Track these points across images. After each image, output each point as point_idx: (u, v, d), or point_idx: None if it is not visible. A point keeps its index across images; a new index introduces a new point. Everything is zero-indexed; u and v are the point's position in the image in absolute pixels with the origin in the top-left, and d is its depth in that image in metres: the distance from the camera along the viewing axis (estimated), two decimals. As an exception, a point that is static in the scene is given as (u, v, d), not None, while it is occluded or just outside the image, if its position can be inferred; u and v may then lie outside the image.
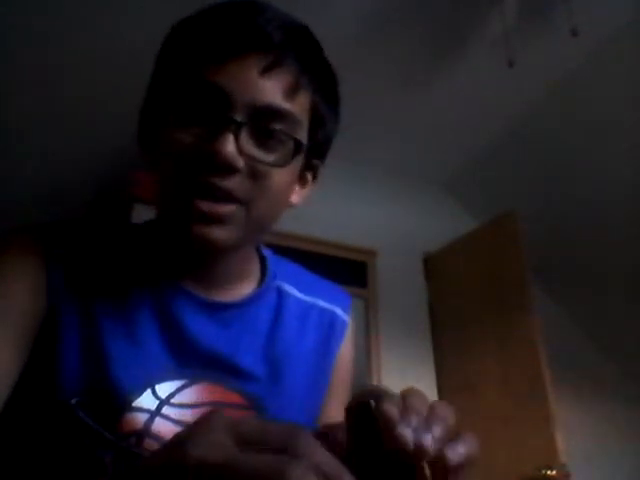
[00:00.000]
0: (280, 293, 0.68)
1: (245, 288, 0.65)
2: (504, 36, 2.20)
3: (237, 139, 0.51)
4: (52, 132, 2.64)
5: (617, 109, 2.59)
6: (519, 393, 2.35)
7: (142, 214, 2.32)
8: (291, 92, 0.54)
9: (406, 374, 2.72)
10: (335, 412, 0.69)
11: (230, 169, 0.51)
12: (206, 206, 0.51)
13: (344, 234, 2.90)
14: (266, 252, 0.71)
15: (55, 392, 0.52)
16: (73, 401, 0.51)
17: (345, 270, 2.81)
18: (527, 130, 2.91)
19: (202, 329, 0.59)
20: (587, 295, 3.26)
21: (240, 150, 0.51)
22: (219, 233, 0.53)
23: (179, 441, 0.30)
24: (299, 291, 0.70)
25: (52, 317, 0.55)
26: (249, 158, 0.52)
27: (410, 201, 3.25)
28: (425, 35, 2.42)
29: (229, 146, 0.50)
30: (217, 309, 0.61)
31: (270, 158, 0.54)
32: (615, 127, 2.64)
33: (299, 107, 0.55)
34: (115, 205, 2.72)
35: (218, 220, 0.52)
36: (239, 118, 0.51)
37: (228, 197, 0.52)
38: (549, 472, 2.11)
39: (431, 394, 2.73)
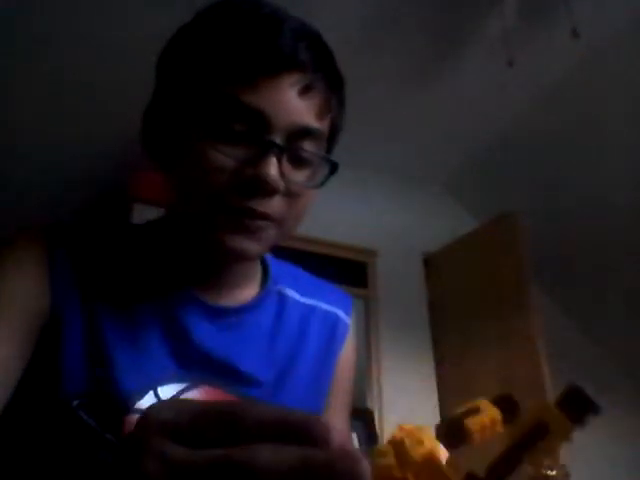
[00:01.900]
0: (281, 297, 0.68)
1: (247, 292, 0.65)
2: (504, 36, 2.20)
3: (279, 163, 0.51)
4: (52, 132, 2.64)
5: (617, 109, 2.59)
6: (519, 393, 2.34)
7: (142, 214, 2.32)
8: (323, 112, 0.55)
9: (406, 374, 2.72)
10: (336, 414, 0.69)
11: (273, 193, 0.52)
12: (247, 221, 0.52)
13: (344, 234, 2.90)
14: (267, 256, 0.71)
15: (57, 393, 0.52)
16: (75, 403, 0.51)
17: (345, 270, 2.81)
18: (527, 130, 2.91)
19: (204, 333, 0.59)
20: (587, 295, 3.26)
21: (282, 173, 0.52)
22: (253, 246, 0.54)
23: (137, 468, 0.27)
24: (300, 294, 0.70)
25: (55, 318, 0.55)
26: (287, 180, 0.53)
27: (410, 201, 3.25)
28: (425, 35, 2.42)
29: (273, 170, 0.50)
30: (220, 313, 0.61)
31: (302, 177, 0.55)
32: (615, 127, 2.64)
33: (326, 124, 0.57)
34: (115, 205, 2.72)
35: (253, 232, 0.53)
36: (279, 141, 0.52)
37: (265, 217, 0.53)
38: (549, 472, 2.10)
39: (431, 394, 2.73)
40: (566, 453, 2.28)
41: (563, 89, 2.67)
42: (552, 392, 2.26)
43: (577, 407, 0.32)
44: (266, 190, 0.51)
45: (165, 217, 0.65)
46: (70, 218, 0.64)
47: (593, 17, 2.22)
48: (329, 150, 0.60)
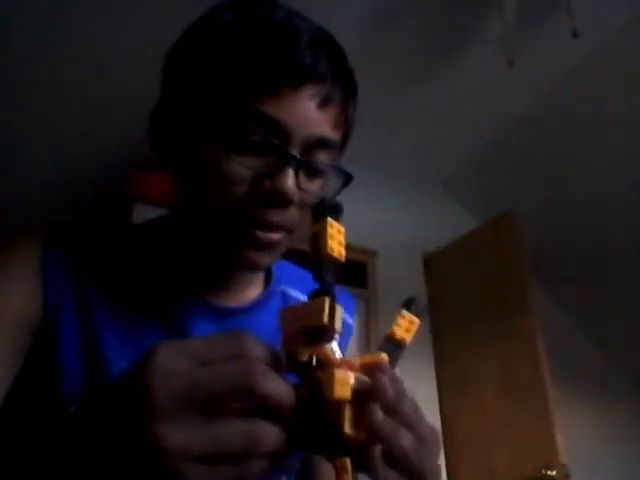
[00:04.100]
0: (285, 297, 0.68)
1: (250, 293, 0.65)
2: (504, 36, 2.20)
3: (296, 175, 0.52)
4: (52, 132, 2.64)
5: (617, 109, 2.59)
6: (519, 393, 2.35)
7: (142, 214, 2.32)
8: (338, 123, 0.55)
9: (406, 374, 2.71)
10: None
11: (289, 204, 0.52)
12: (263, 235, 0.52)
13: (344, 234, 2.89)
14: None
15: (55, 399, 0.51)
16: (73, 408, 0.51)
17: (345, 270, 2.80)
18: (527, 130, 2.91)
19: (206, 334, 0.58)
20: (587, 295, 3.26)
21: (298, 185, 0.52)
22: (268, 259, 0.55)
23: (136, 385, 0.32)
24: (303, 294, 0.70)
25: (50, 321, 0.54)
26: (302, 191, 0.53)
27: (410, 201, 3.25)
28: (425, 35, 2.41)
29: (290, 182, 0.51)
30: (222, 315, 0.61)
31: (316, 187, 0.55)
32: (615, 127, 2.64)
33: (340, 134, 0.57)
34: (115, 205, 2.72)
35: (270, 247, 0.54)
36: (297, 153, 0.51)
37: (280, 228, 0.53)
38: (549, 472, 2.11)
39: (431, 394, 2.73)
40: (566, 453, 2.27)
41: (563, 89, 2.67)
42: (552, 392, 2.26)
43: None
44: (283, 202, 0.51)
45: (168, 218, 0.64)
46: (70, 218, 0.64)
47: (593, 17, 2.22)
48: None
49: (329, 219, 0.41)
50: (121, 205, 2.56)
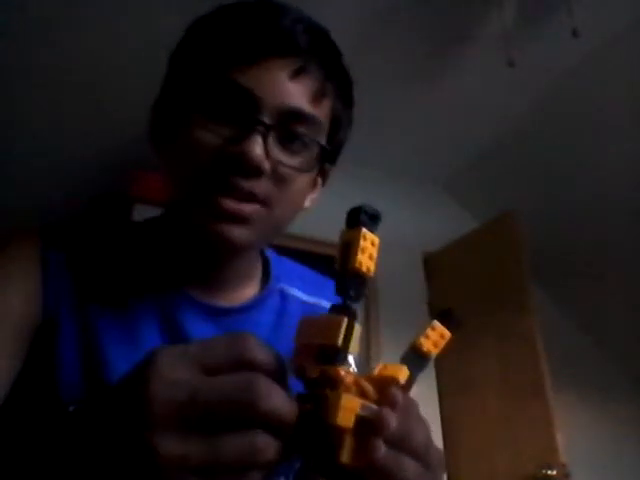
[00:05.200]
0: (283, 296, 0.67)
1: (248, 291, 0.64)
2: (504, 36, 2.20)
3: (265, 142, 0.51)
4: (52, 132, 2.64)
5: (617, 109, 2.59)
6: (519, 393, 2.35)
7: (142, 214, 2.32)
8: (317, 97, 0.54)
9: (406, 374, 2.71)
10: None
11: (257, 172, 0.50)
12: (230, 204, 0.51)
13: (344, 234, 2.89)
14: (268, 253, 0.70)
15: (54, 399, 0.51)
16: (71, 409, 0.51)
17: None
18: (527, 130, 2.91)
19: (205, 335, 0.58)
20: (587, 295, 3.25)
21: (267, 153, 0.51)
22: (241, 233, 0.52)
23: (135, 392, 0.31)
24: (302, 292, 0.69)
25: (49, 322, 0.54)
26: (274, 161, 0.52)
27: (410, 201, 3.25)
28: (425, 35, 2.41)
29: (257, 148, 0.50)
30: (220, 314, 0.60)
31: (293, 162, 0.53)
32: (615, 127, 2.64)
33: (322, 112, 0.56)
34: (115, 205, 2.72)
35: (241, 220, 0.52)
36: (267, 121, 0.51)
37: (250, 198, 0.51)
38: (549, 472, 2.11)
39: (431, 394, 2.73)
40: (566, 453, 2.27)
41: (563, 89, 2.67)
42: (552, 392, 2.26)
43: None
44: (249, 168, 0.50)
45: (164, 214, 0.64)
46: (70, 218, 0.63)
47: (593, 17, 2.22)
48: (331, 143, 0.59)
49: (364, 230, 0.37)
50: (121, 205, 2.57)
